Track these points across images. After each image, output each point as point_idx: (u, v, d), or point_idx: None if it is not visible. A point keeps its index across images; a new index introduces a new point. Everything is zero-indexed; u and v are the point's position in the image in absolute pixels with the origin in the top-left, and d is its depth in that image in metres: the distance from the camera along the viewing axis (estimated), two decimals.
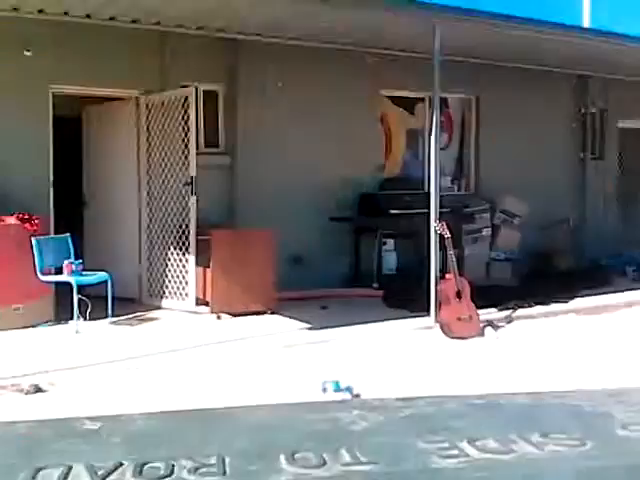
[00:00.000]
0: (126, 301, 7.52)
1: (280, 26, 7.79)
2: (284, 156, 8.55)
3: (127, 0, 6.73)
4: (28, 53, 7.23)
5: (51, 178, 7.48)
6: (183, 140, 7.52)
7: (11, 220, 6.67)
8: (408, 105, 9.99)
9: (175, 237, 7.65)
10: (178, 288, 7.63)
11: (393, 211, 8.74)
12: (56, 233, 7.26)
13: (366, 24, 7.69)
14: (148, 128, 7.92)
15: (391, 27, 7.82)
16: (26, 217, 6.76)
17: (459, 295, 6.96)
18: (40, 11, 6.95)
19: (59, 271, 6.70)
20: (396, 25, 7.71)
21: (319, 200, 8.72)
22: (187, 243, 7.52)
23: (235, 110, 8.54)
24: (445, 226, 7.07)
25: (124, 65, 7.80)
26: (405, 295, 7.72)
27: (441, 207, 7.25)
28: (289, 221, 8.04)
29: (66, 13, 7.05)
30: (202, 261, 7.43)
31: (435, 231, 7.12)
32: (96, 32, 7.37)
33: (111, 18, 7.22)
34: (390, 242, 8.91)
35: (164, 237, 7.78)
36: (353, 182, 8.92)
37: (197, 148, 7.64)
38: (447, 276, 7.10)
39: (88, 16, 7.16)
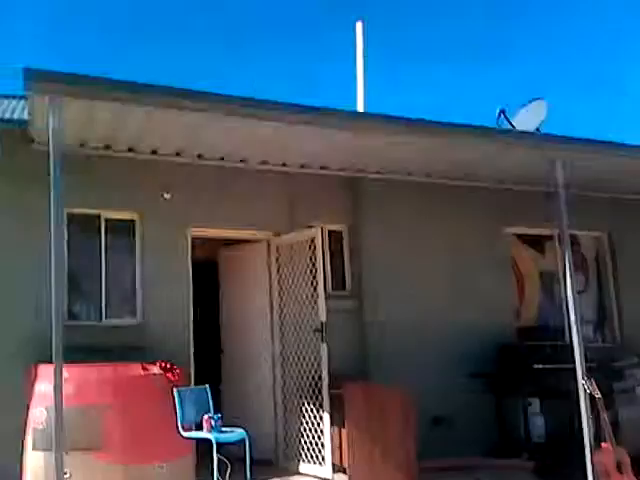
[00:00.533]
0: (262, 463, 7.12)
1: (402, 164, 7.85)
2: (411, 301, 8.27)
3: (258, 144, 6.89)
4: (167, 196, 7.44)
5: (191, 324, 7.39)
6: (312, 283, 7.40)
7: (155, 369, 6.39)
8: (536, 244, 9.54)
9: (309, 390, 7.32)
10: (314, 450, 7.22)
11: (536, 365, 8.16)
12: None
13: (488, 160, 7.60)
14: (279, 271, 7.91)
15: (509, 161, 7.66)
16: (168, 366, 6.49)
17: (619, 468, 6.33)
18: (177, 154, 7.18)
19: (198, 426, 6.24)
20: (520, 163, 7.61)
21: (451, 351, 8.27)
22: (321, 397, 7.21)
23: (359, 251, 8.35)
24: (595, 384, 6.53)
25: (255, 207, 7.88)
26: (559, 468, 7.06)
27: (585, 361, 6.63)
28: (422, 375, 7.67)
29: (200, 156, 7.26)
30: (337, 419, 7.08)
31: (584, 390, 6.56)
32: (230, 174, 7.59)
33: (241, 160, 7.48)
34: (535, 402, 8.18)
35: (298, 389, 7.45)
36: (486, 331, 8.43)
37: (325, 291, 7.41)
38: (603, 445, 6.48)
39: (222, 158, 7.39)
